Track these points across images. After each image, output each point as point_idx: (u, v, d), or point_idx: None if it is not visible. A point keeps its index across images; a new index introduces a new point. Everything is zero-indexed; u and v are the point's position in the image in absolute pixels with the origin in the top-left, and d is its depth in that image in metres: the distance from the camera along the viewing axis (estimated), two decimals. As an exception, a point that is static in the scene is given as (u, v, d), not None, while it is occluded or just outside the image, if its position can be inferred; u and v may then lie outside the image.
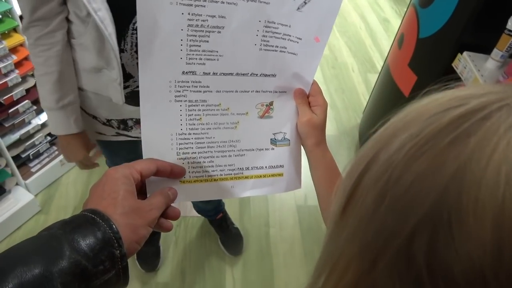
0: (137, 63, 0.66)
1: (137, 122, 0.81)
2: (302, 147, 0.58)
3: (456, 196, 0.17)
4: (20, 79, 1.30)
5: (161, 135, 0.51)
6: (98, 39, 0.64)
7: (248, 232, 1.55)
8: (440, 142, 0.19)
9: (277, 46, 0.52)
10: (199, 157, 0.53)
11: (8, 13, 1.24)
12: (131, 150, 0.85)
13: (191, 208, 1.50)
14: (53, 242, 0.35)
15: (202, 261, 1.45)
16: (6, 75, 1.26)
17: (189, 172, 0.52)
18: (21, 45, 1.30)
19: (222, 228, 1.48)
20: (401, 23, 1.64)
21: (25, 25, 0.67)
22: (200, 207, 1.40)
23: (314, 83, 0.57)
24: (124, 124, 0.82)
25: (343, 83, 2.39)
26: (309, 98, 0.57)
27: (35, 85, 1.39)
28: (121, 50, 0.66)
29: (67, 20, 0.68)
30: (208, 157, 0.53)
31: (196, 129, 0.52)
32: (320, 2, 0.50)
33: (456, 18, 1.19)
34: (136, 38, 0.64)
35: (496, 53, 1.09)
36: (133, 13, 0.62)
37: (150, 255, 1.41)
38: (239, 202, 1.65)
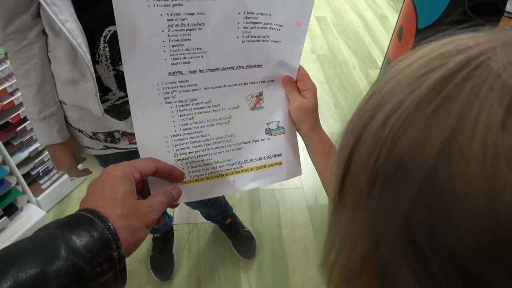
0: (114, 75, 0.68)
1: (124, 134, 0.81)
2: (298, 133, 0.58)
3: (446, 172, 0.17)
4: (26, 97, 1.32)
5: (156, 139, 0.51)
6: (70, 50, 0.64)
7: (261, 234, 1.54)
8: (423, 113, 0.18)
9: (260, 36, 0.52)
10: (197, 156, 0.53)
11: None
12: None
13: (202, 214, 1.50)
14: (50, 242, 0.34)
15: (216, 267, 1.45)
16: (12, 94, 1.28)
17: (189, 172, 0.53)
18: (25, 63, 1.31)
19: (233, 233, 1.48)
20: (399, 16, 1.64)
21: (2, 38, 0.68)
22: (206, 213, 1.40)
23: (301, 68, 0.57)
24: (111, 136, 0.82)
25: (345, 81, 2.39)
26: (297, 84, 0.57)
27: (40, 102, 1.41)
28: (96, 62, 0.66)
29: (44, 33, 0.69)
30: (205, 154, 0.53)
31: (190, 128, 0.52)
32: None
33: (454, 5, 1.19)
34: (109, 51, 0.65)
35: (497, 37, 1.09)
36: (104, 26, 0.63)
37: (164, 264, 1.41)
38: (250, 205, 1.65)
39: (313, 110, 0.55)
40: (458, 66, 0.18)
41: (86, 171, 0.91)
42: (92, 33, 0.63)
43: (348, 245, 0.22)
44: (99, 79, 0.68)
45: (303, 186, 1.72)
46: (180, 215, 1.57)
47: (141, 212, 0.41)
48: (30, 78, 0.71)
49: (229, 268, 1.44)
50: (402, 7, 1.59)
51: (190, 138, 0.52)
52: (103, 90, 0.70)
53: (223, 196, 1.43)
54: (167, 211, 1.39)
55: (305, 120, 0.55)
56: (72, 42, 0.60)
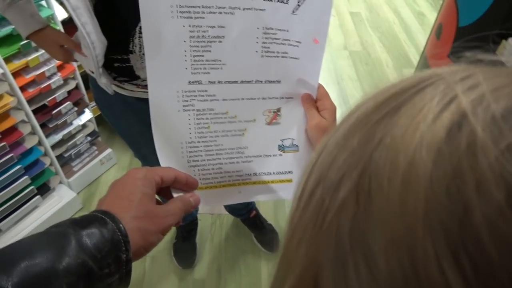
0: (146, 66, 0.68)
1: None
2: None
3: (376, 162, 0.17)
4: (62, 82, 1.36)
5: (171, 144, 0.52)
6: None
7: (283, 229, 1.53)
8: (371, 119, 0.18)
9: (278, 52, 0.52)
10: (208, 164, 0.54)
11: (51, 18, 1.30)
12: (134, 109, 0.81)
13: (226, 205, 1.51)
14: (61, 239, 0.34)
15: (237, 258, 1.46)
16: (49, 77, 1.32)
17: (200, 179, 0.54)
18: (63, 48, 1.35)
19: (257, 226, 1.48)
20: (438, 14, 1.58)
21: None
22: (231, 207, 1.41)
23: (320, 86, 0.57)
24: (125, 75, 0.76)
25: (377, 79, 2.34)
26: (316, 103, 0.56)
27: (76, 87, 1.45)
28: (130, 52, 0.67)
29: None
30: (216, 164, 0.54)
31: (205, 137, 0.53)
32: (313, 2, 0.51)
33: (498, 2, 1.13)
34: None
35: (545, 38, 1.03)
36: (139, 17, 0.63)
37: (187, 252, 1.43)
38: (274, 201, 1.64)
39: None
40: (415, 82, 0.19)
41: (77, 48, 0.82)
42: (127, 22, 0.64)
43: (295, 239, 0.21)
44: (131, 68, 0.69)
45: (329, 184, 1.70)
46: (204, 205, 1.59)
47: (156, 217, 0.41)
48: None
49: (250, 259, 1.45)
50: (442, 4, 1.53)
51: (204, 146, 0.53)
52: (133, 77, 0.71)
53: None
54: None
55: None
56: (76, 20, 0.60)
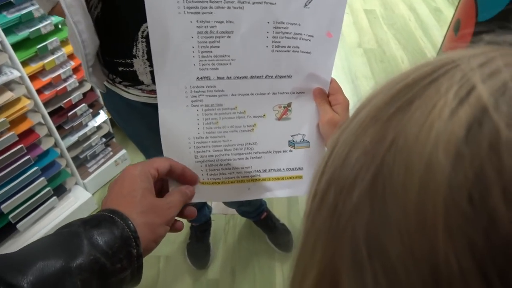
0: (150, 71, 0.68)
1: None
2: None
3: (390, 166, 0.15)
4: (78, 84, 1.38)
5: (179, 139, 0.52)
6: (70, 26, 0.62)
7: (297, 229, 1.52)
8: (383, 115, 0.17)
9: (290, 46, 0.51)
10: (216, 160, 0.53)
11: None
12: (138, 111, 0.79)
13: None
14: (73, 238, 0.36)
15: (251, 258, 1.45)
16: (65, 80, 1.34)
17: (207, 174, 0.53)
18: (78, 51, 1.37)
19: (269, 227, 1.47)
20: (456, 9, 1.54)
21: None
22: (242, 210, 1.40)
23: (333, 81, 0.55)
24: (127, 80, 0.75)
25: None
26: (329, 97, 0.55)
27: (91, 89, 1.46)
28: (133, 56, 0.66)
29: None
30: (225, 159, 0.53)
31: (213, 132, 0.53)
32: None
33: (520, -3, 1.09)
34: (146, 46, 0.64)
35: None
36: (142, 20, 0.62)
37: (200, 252, 1.43)
38: (287, 200, 1.63)
39: None
40: (426, 73, 0.17)
41: None
42: (131, 26, 0.64)
43: (310, 243, 0.20)
44: (134, 73, 0.69)
45: (343, 184, 1.68)
46: (218, 205, 1.59)
47: (160, 209, 0.42)
48: None
49: (264, 260, 1.44)
50: (459, 0, 1.49)
51: (212, 141, 0.53)
52: (137, 82, 0.71)
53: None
54: (207, 202, 1.41)
55: None
56: (68, 18, 0.59)
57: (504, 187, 0.12)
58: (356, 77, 2.32)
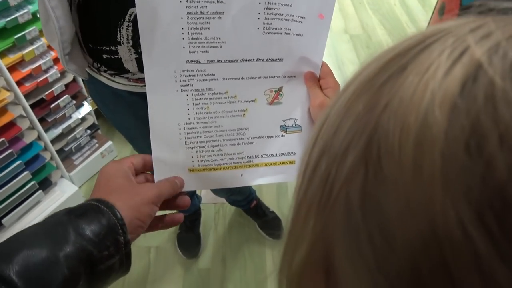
0: (135, 59, 0.66)
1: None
2: None
3: (384, 127, 0.15)
4: (59, 75, 1.34)
5: (169, 125, 0.51)
6: (43, 11, 0.60)
7: (286, 216, 1.53)
8: (376, 82, 0.17)
9: (281, 28, 0.50)
10: (208, 146, 0.52)
11: (44, 10, 1.28)
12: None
13: (228, 194, 1.51)
14: (59, 227, 0.36)
15: (242, 246, 1.46)
16: (46, 71, 1.30)
17: (198, 161, 0.52)
18: (58, 41, 1.33)
19: (259, 215, 1.48)
20: (440, -7, 1.54)
21: None
22: (232, 199, 1.41)
23: (324, 64, 0.55)
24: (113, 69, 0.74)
25: (379, 62, 2.31)
26: (320, 81, 0.54)
27: (73, 80, 1.43)
28: (118, 43, 0.64)
29: None
30: (216, 145, 0.53)
31: (204, 118, 0.52)
32: None
33: (504, -21, 1.09)
34: (132, 31, 0.63)
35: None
36: (130, 4, 0.60)
37: (191, 242, 1.43)
38: (276, 189, 1.63)
39: None
40: (418, 41, 0.17)
41: None
42: (115, 11, 0.62)
43: (303, 212, 0.20)
44: (119, 60, 0.67)
45: (332, 170, 1.69)
46: (208, 194, 1.58)
47: (142, 189, 0.43)
48: None
49: (254, 247, 1.45)
50: (444, -17, 1.49)
51: (203, 127, 0.52)
52: (122, 70, 0.69)
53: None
54: (196, 192, 1.40)
55: None
56: (46, 3, 0.57)
57: (500, 134, 0.13)
58: (342, 63, 2.31)
